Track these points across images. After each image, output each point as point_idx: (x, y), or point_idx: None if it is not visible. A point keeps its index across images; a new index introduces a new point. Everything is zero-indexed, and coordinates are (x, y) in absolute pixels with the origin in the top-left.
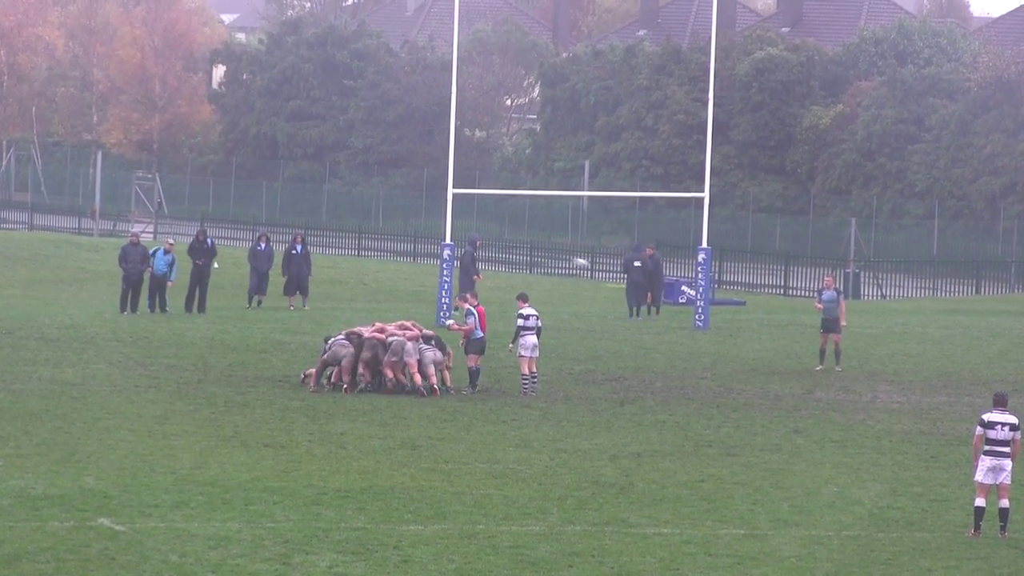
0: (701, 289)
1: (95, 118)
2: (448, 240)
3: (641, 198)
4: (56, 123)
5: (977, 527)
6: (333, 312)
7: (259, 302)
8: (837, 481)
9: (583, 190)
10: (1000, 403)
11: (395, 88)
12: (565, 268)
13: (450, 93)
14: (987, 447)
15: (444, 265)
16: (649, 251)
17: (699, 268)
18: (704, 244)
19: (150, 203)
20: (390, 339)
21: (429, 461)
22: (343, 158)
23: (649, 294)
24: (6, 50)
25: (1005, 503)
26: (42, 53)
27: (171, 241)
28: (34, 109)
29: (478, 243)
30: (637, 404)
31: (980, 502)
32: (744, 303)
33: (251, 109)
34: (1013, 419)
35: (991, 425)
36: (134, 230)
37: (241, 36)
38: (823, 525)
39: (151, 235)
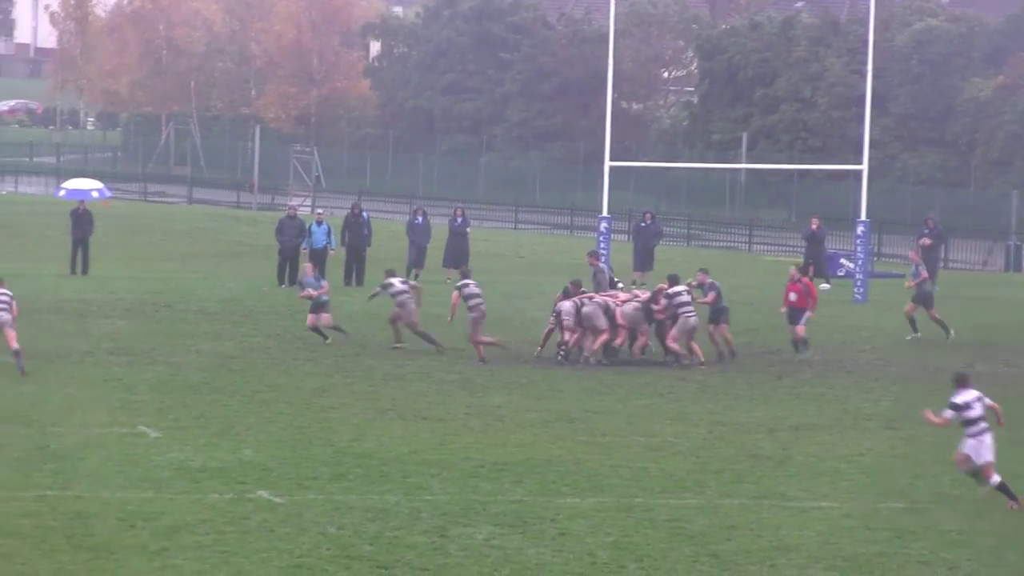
0: (860, 262)
1: (253, 92)
2: (605, 213)
3: (799, 171)
4: (214, 97)
5: (1013, 497)
6: (490, 286)
7: (416, 275)
8: (1001, 455)
9: (740, 163)
10: (963, 384)
11: (551, 61)
12: (723, 240)
13: (607, 66)
14: (971, 429)
15: (601, 238)
16: (814, 224)
17: (858, 241)
18: (863, 217)
19: (308, 177)
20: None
21: (585, 434)
22: (499, 131)
23: (811, 266)
24: (164, 24)
25: (997, 479)
26: (200, 28)
27: (320, 211)
28: (193, 84)
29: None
30: (795, 377)
31: (995, 479)
32: (904, 276)
33: (407, 83)
34: (978, 392)
35: (966, 407)
36: (291, 203)
37: (398, 10)
38: (987, 498)
39: (308, 208)
